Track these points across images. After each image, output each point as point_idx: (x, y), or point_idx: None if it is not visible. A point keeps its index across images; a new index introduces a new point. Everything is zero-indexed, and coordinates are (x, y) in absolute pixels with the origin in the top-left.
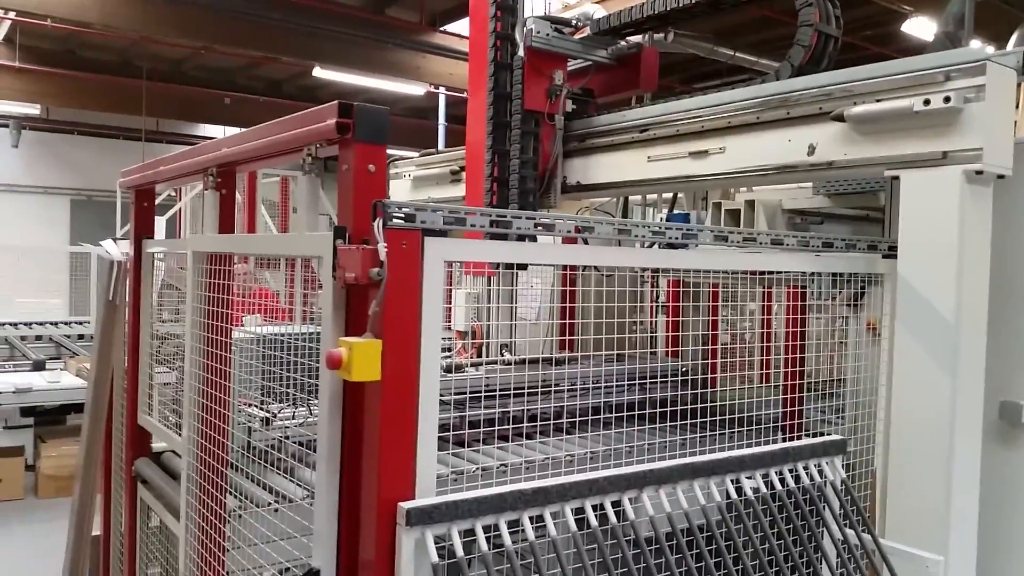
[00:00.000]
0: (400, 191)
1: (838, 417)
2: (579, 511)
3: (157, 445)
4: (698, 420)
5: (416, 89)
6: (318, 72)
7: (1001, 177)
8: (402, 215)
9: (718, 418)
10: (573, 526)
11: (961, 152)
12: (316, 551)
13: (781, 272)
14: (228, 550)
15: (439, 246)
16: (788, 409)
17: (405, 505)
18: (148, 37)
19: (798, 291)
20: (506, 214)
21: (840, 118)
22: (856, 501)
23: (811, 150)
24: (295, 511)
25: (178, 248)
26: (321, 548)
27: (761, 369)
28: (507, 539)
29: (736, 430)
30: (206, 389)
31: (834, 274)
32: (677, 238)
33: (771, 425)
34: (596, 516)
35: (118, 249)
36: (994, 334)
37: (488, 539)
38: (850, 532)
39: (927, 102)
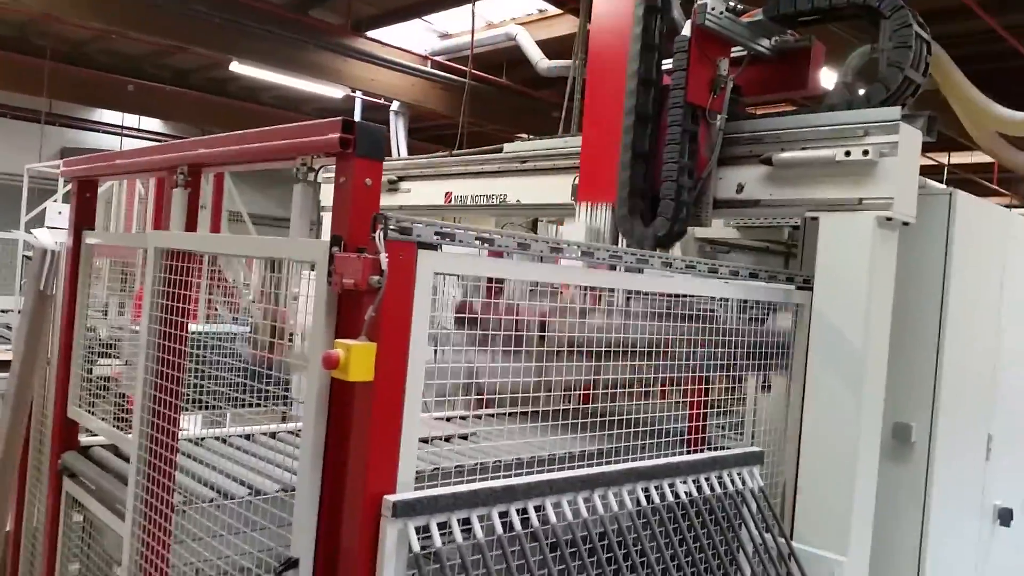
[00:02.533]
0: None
1: (737, 433)
2: (539, 508)
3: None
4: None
5: (334, 92)
6: (235, 67)
7: (906, 224)
8: (398, 228)
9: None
10: (536, 522)
11: (875, 200)
12: (295, 541)
13: (706, 297)
14: (193, 542)
15: (430, 258)
16: (692, 424)
17: (391, 498)
18: (53, 15)
19: (709, 316)
20: (488, 232)
21: (768, 161)
22: (772, 507)
23: (739, 188)
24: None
25: (135, 243)
26: (301, 538)
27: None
28: (479, 532)
29: (644, 443)
30: (161, 384)
31: (744, 302)
32: (632, 263)
33: (677, 439)
34: (554, 514)
35: (51, 237)
36: (890, 363)
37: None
38: (767, 536)
39: (848, 153)
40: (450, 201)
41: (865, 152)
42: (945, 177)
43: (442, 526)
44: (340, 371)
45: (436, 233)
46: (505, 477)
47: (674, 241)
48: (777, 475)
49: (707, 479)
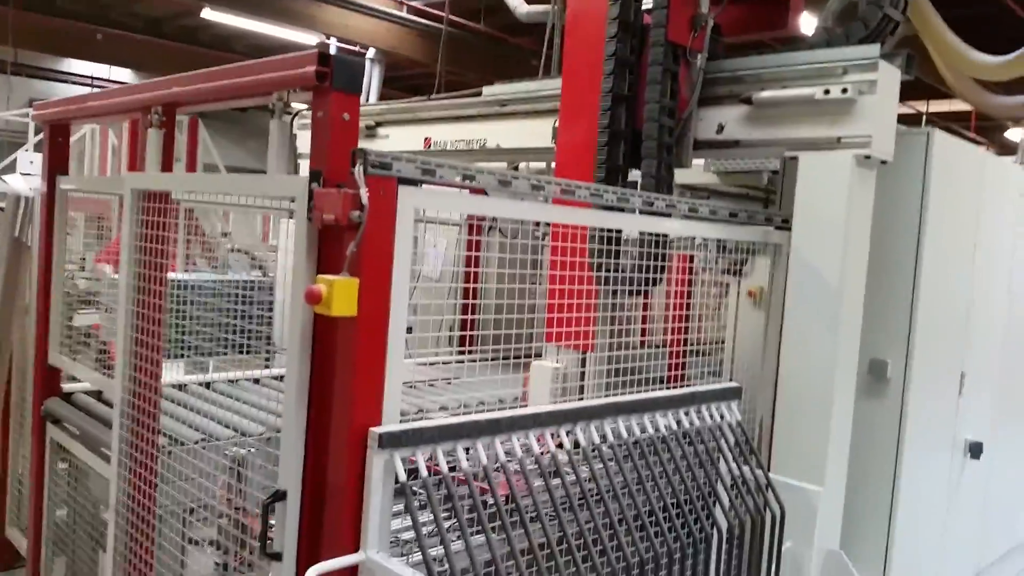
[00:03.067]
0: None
1: (716, 376)
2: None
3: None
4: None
5: (308, 38)
6: (207, 13)
7: (884, 163)
8: (379, 163)
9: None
10: (520, 453)
11: (853, 138)
12: (283, 474)
13: (688, 239)
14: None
15: (411, 194)
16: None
17: (376, 430)
18: None
19: (686, 258)
20: (470, 168)
21: (748, 101)
22: (750, 440)
23: (720, 129)
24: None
25: (111, 187)
26: (288, 472)
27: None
28: (464, 463)
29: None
30: (141, 326)
31: (721, 243)
32: (613, 202)
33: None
34: (538, 446)
35: (26, 184)
36: (866, 301)
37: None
38: (745, 468)
39: (827, 91)
40: (429, 147)
41: (844, 90)
42: (923, 125)
43: (428, 458)
44: (323, 306)
45: (417, 168)
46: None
47: (662, 188)
48: (752, 411)
49: (686, 413)
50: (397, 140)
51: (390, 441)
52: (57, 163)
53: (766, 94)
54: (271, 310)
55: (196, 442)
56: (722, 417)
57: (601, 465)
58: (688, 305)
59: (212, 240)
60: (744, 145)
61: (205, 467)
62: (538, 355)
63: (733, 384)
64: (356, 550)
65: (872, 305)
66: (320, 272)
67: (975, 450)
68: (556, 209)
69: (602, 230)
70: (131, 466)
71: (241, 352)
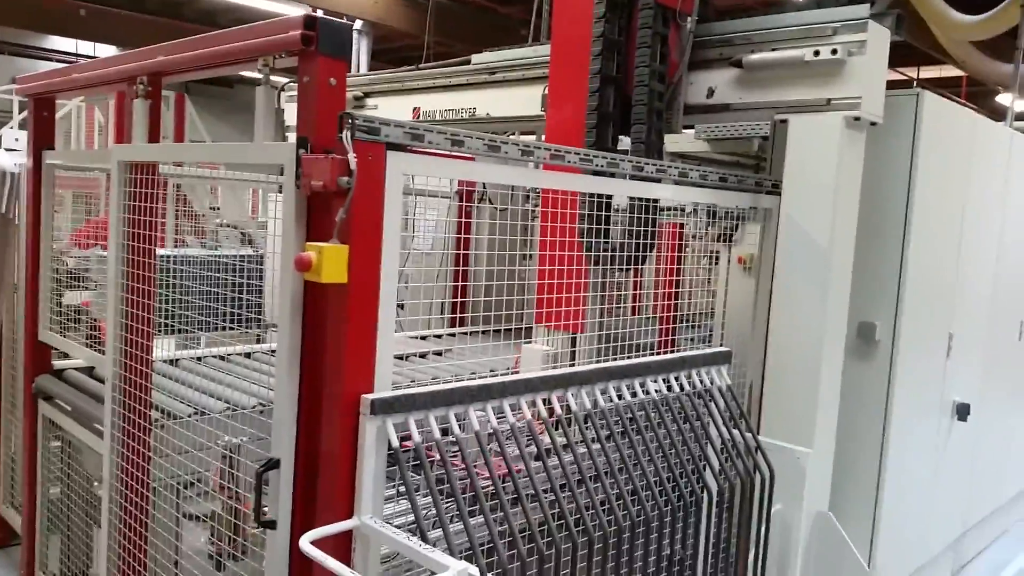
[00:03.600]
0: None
1: (706, 343)
2: (514, 407)
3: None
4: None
5: (294, 11)
6: None
7: (874, 124)
8: (367, 128)
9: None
10: (512, 419)
11: (843, 100)
12: (275, 443)
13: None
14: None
15: (400, 160)
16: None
17: (369, 396)
18: None
19: (677, 227)
20: (459, 133)
21: (738, 64)
22: (739, 404)
23: (710, 92)
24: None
25: (98, 160)
26: (281, 440)
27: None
28: (456, 428)
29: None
30: (131, 299)
31: (712, 210)
32: (602, 167)
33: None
34: (529, 411)
35: (10, 159)
36: (856, 263)
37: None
38: (735, 431)
39: (817, 53)
40: (418, 117)
41: (834, 51)
42: None
43: (420, 424)
44: (313, 273)
45: (406, 133)
46: None
47: (652, 153)
48: (742, 376)
49: (676, 378)
50: (385, 110)
51: (382, 407)
52: (43, 138)
53: (756, 56)
54: (261, 285)
55: (188, 416)
56: (712, 381)
57: (592, 430)
58: (679, 274)
59: (201, 215)
60: (735, 109)
61: (199, 439)
62: (529, 328)
63: (723, 348)
64: (350, 516)
65: (861, 268)
66: (310, 240)
67: (962, 412)
68: (546, 174)
69: (592, 200)
70: (124, 440)
71: (232, 328)
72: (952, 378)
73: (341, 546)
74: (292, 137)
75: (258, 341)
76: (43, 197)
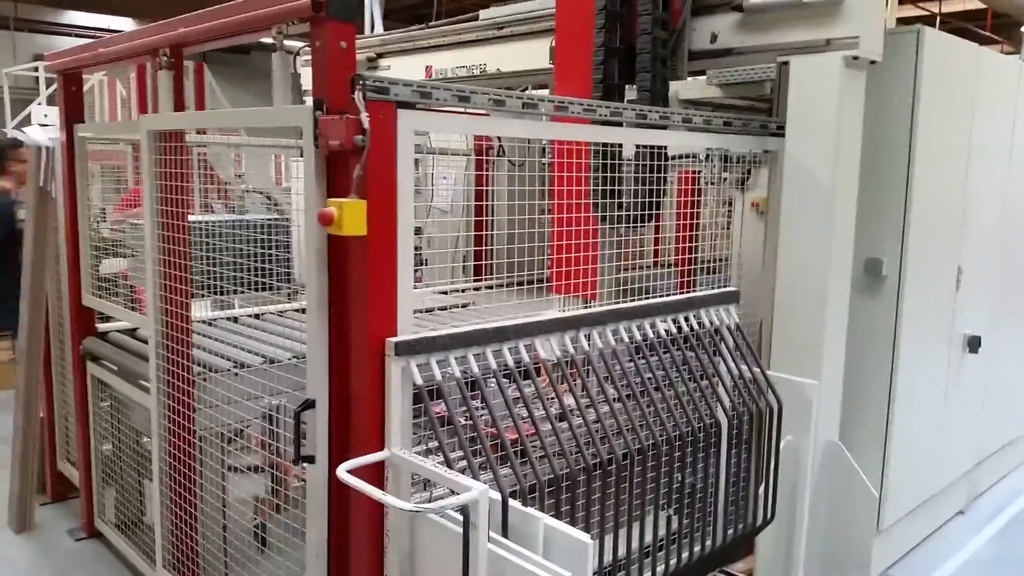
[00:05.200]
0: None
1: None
2: (529, 347)
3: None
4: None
5: None
6: None
7: (873, 63)
8: (375, 88)
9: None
10: (527, 358)
11: (841, 39)
12: (310, 385)
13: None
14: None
15: (410, 117)
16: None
17: (393, 339)
18: None
19: (692, 175)
20: (465, 89)
21: (740, 8)
22: (747, 340)
23: (713, 38)
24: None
25: (127, 131)
26: (314, 382)
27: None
28: (474, 367)
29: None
30: (170, 261)
31: (725, 157)
32: (607, 115)
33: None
34: (543, 350)
35: (44, 134)
36: (861, 201)
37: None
38: (743, 366)
39: None
40: (430, 75)
41: None
42: (937, 27)
43: (442, 363)
44: (335, 227)
45: (414, 91)
46: None
47: (657, 101)
48: (753, 314)
49: (685, 318)
50: (398, 70)
51: (405, 349)
52: (73, 112)
53: (756, 0)
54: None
55: (228, 369)
56: (721, 320)
57: (605, 369)
58: (695, 221)
59: (227, 183)
60: (737, 53)
61: (244, 388)
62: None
63: (731, 288)
64: (381, 449)
65: (867, 205)
66: (331, 197)
67: (973, 344)
68: (553, 126)
69: (601, 152)
70: (169, 392)
71: (263, 289)
72: (962, 311)
73: (374, 476)
74: (309, 100)
75: (289, 300)
76: (77, 169)
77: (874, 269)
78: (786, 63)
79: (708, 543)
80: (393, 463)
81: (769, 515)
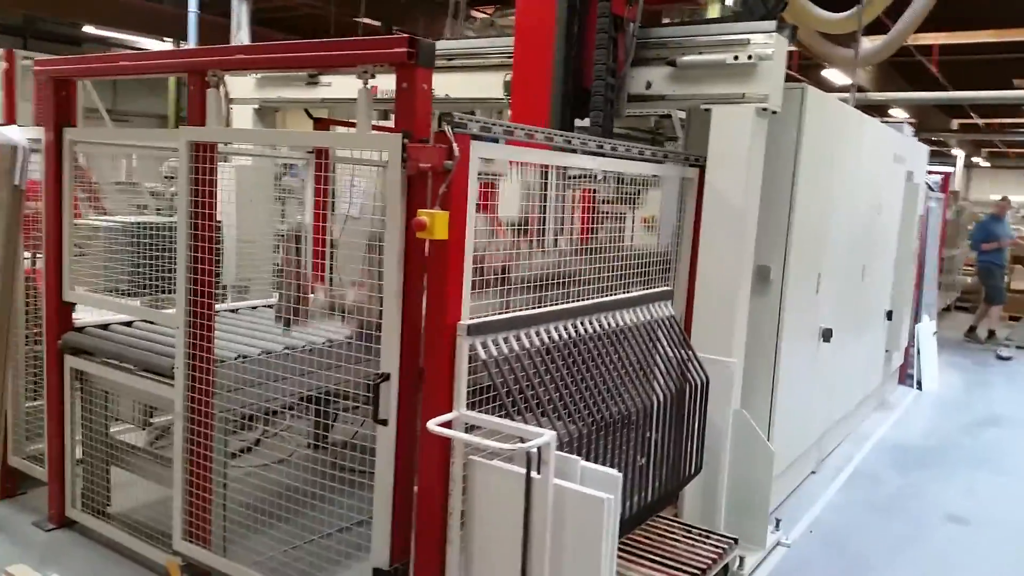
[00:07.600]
0: (242, 87)
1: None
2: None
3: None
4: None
5: None
6: None
7: (774, 113)
8: (457, 123)
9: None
10: (558, 337)
11: (754, 95)
12: (385, 361)
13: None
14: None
15: (480, 147)
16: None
17: (464, 322)
18: None
19: (590, 192)
20: (512, 127)
21: (673, 63)
22: (681, 329)
23: (648, 85)
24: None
25: (168, 139)
26: (389, 358)
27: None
28: (527, 342)
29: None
30: (200, 258)
31: (619, 177)
32: (593, 148)
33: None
34: (568, 331)
35: (22, 135)
36: (759, 221)
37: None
38: (679, 350)
39: (736, 57)
40: (376, 94)
41: (749, 57)
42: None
43: (494, 342)
44: (427, 232)
45: (482, 128)
46: None
47: (606, 133)
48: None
49: (632, 311)
50: (340, 87)
51: (473, 330)
52: (63, 115)
53: (687, 58)
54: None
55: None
56: (662, 313)
57: (593, 347)
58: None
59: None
60: (668, 99)
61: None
62: None
63: (667, 288)
64: (450, 411)
65: (763, 224)
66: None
67: (827, 335)
68: (570, 157)
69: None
70: (192, 375)
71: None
72: (820, 308)
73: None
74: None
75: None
76: (65, 170)
77: (764, 274)
78: (708, 109)
79: (659, 486)
80: (460, 421)
81: (698, 468)
